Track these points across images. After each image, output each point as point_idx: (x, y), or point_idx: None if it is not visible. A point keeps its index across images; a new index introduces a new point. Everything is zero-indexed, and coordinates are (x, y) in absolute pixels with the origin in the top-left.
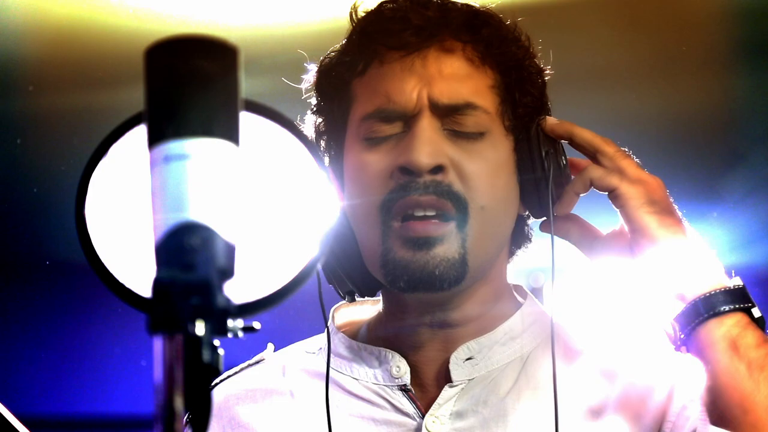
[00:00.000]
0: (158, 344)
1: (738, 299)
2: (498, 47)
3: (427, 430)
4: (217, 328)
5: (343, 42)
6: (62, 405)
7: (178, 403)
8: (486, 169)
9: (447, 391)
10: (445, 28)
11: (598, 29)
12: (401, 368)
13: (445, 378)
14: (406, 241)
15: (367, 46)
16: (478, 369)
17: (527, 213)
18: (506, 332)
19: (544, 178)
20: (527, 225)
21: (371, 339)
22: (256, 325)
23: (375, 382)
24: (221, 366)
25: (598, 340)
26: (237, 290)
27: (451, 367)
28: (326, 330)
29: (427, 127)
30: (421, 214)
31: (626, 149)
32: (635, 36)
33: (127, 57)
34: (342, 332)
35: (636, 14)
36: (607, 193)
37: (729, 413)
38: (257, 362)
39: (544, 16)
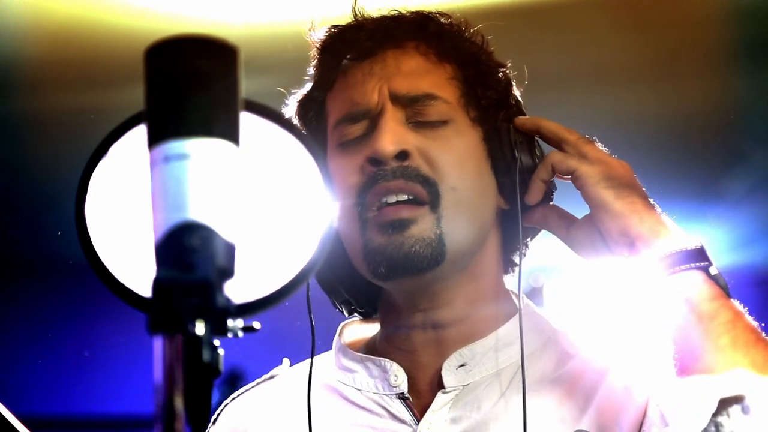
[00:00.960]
0: (158, 344)
1: (695, 258)
2: (451, 43)
3: None
4: (217, 328)
5: (310, 65)
6: (62, 405)
7: (178, 403)
8: (452, 153)
9: (440, 398)
10: (397, 30)
11: (598, 29)
12: (398, 377)
13: (438, 384)
14: (381, 227)
15: (329, 62)
16: (471, 375)
17: (508, 206)
18: (501, 338)
19: (513, 166)
20: (519, 227)
21: (373, 350)
22: (256, 325)
23: (375, 392)
24: (221, 366)
25: (589, 343)
26: (237, 290)
27: (444, 374)
28: (312, 337)
29: (390, 118)
30: (393, 200)
31: (593, 138)
32: (635, 36)
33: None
34: (347, 345)
35: (636, 14)
36: (570, 177)
37: (682, 362)
38: (271, 377)
39: (543, 16)
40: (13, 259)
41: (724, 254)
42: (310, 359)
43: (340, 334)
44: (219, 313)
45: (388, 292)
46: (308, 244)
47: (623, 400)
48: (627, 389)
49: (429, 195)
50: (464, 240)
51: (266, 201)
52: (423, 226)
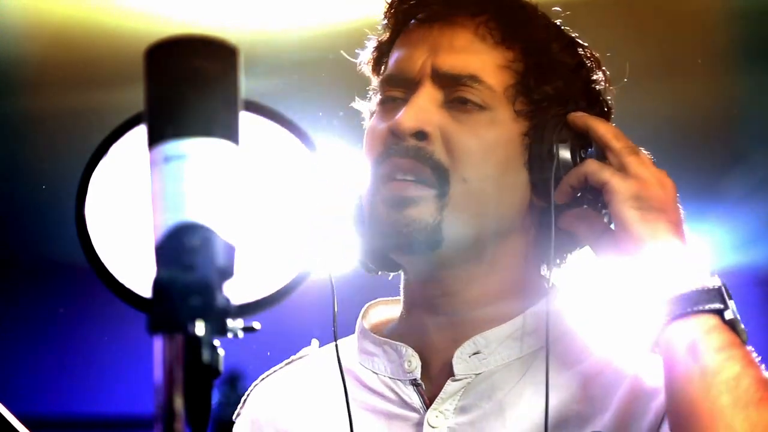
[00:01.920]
0: (158, 344)
1: (708, 300)
2: (519, 27)
3: (428, 424)
4: (217, 328)
5: (383, 20)
6: (62, 405)
7: (178, 403)
8: (477, 143)
9: (450, 386)
10: (471, 5)
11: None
12: (412, 362)
13: (451, 371)
14: (385, 200)
15: (397, 15)
16: (485, 364)
17: (541, 204)
18: (519, 327)
19: (549, 164)
20: (552, 227)
21: (392, 334)
22: (256, 325)
23: (390, 376)
24: (221, 366)
25: (608, 340)
26: (237, 290)
27: (454, 361)
28: (335, 329)
29: (423, 94)
30: (401, 177)
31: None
32: (635, 37)
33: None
34: (369, 328)
35: (636, 15)
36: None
37: (678, 418)
38: (300, 358)
39: None
40: (13, 259)
41: (724, 254)
42: (342, 341)
43: (363, 316)
44: (219, 313)
45: (404, 270)
46: (309, 244)
47: (643, 404)
48: (649, 394)
49: (437, 182)
50: (469, 231)
51: (266, 201)
52: (422, 209)
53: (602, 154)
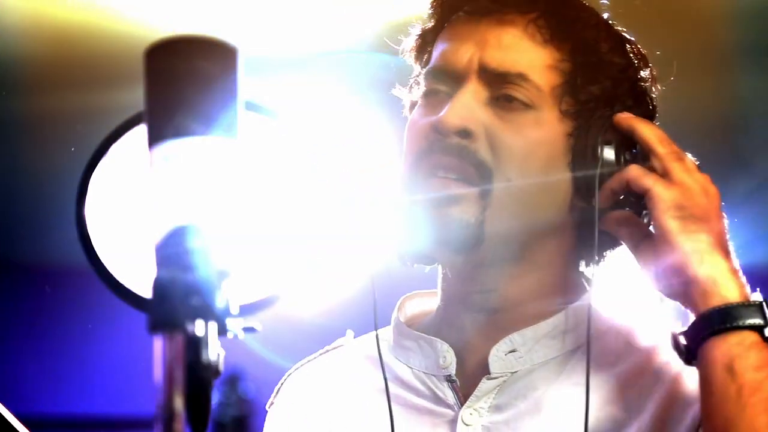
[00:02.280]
0: (158, 344)
1: (748, 315)
2: (569, 25)
3: (463, 421)
4: (218, 328)
5: (430, 8)
6: (62, 405)
7: (178, 403)
8: (521, 142)
9: (485, 384)
10: (521, 1)
11: None
12: (447, 358)
13: (486, 369)
14: (426, 199)
15: (444, 8)
16: (522, 362)
17: (584, 205)
18: (556, 325)
19: (592, 166)
20: (595, 230)
21: (428, 328)
22: (257, 325)
23: (425, 372)
24: (221, 366)
25: (648, 342)
26: (237, 290)
27: (490, 359)
28: (375, 319)
29: (468, 91)
30: (443, 174)
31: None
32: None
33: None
34: (405, 321)
35: (637, 15)
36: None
37: None
38: (335, 348)
39: None
40: (13, 259)
41: None
42: (378, 332)
43: (399, 309)
44: (219, 314)
45: (442, 265)
46: (309, 244)
47: (681, 410)
48: (687, 401)
49: (480, 180)
50: (510, 231)
51: (267, 201)
52: (465, 208)
53: (647, 156)
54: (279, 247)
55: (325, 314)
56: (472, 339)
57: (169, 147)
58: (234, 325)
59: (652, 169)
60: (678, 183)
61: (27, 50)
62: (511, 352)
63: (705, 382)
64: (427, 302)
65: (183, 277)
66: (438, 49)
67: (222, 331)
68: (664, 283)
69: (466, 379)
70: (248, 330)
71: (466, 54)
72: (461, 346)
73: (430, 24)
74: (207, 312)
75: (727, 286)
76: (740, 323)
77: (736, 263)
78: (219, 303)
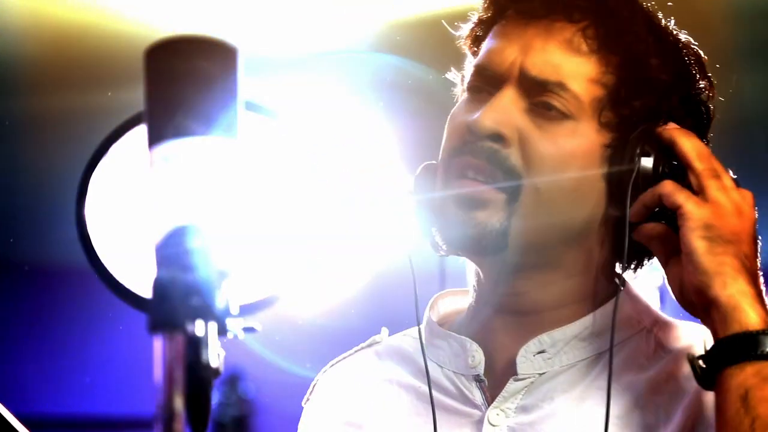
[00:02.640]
0: (158, 344)
1: (767, 345)
2: (615, 39)
3: (489, 422)
4: (217, 328)
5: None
6: (62, 405)
7: (178, 403)
8: (555, 152)
9: (512, 384)
10: (572, 8)
11: None
12: (476, 358)
13: (513, 370)
14: (454, 198)
15: (495, 4)
16: (550, 363)
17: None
18: (585, 327)
19: (626, 178)
20: (625, 241)
21: (459, 327)
22: (257, 325)
23: (454, 371)
24: (221, 366)
25: (681, 345)
26: (237, 290)
27: (518, 360)
28: (417, 320)
29: (507, 95)
30: (472, 176)
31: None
32: None
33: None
34: (437, 319)
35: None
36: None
37: None
38: (370, 345)
39: None
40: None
41: None
42: (411, 330)
43: (431, 307)
44: (219, 314)
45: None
46: (309, 244)
47: (710, 418)
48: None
49: (509, 187)
50: (535, 239)
51: (267, 201)
52: (491, 213)
53: (686, 171)
54: (279, 247)
55: (325, 314)
56: (501, 339)
57: (169, 147)
58: (234, 325)
59: (689, 185)
60: (711, 201)
61: (27, 50)
62: (539, 353)
63: (719, 410)
64: (459, 301)
65: (183, 277)
66: (486, 46)
67: (222, 331)
68: (687, 302)
69: (495, 380)
70: (248, 330)
71: (509, 57)
72: (490, 346)
73: (485, 15)
74: (207, 312)
75: (748, 312)
76: (758, 352)
77: (762, 289)
78: (219, 303)
